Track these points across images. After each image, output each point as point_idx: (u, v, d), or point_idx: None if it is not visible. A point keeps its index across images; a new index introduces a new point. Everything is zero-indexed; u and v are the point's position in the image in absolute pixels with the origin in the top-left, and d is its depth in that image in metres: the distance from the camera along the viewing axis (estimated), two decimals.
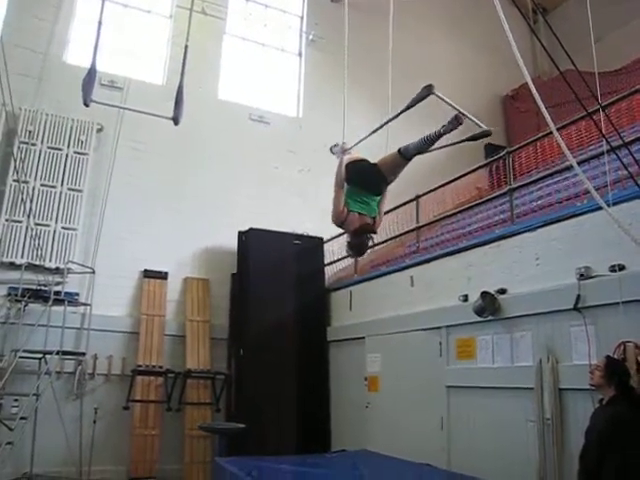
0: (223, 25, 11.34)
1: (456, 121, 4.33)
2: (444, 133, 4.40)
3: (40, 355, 7.87)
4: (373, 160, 4.76)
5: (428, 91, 4.20)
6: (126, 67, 10.14)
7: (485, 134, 4.48)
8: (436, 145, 4.59)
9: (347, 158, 4.80)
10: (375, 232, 4.67)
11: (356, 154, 4.95)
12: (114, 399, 8.61)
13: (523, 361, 5.75)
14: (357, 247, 4.73)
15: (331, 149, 5.26)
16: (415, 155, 4.57)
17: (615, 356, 4.56)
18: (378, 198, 4.73)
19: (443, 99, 4.20)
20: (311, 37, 12.04)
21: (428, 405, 6.94)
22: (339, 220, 4.59)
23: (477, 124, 4.40)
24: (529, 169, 7.83)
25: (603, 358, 4.35)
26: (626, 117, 6.92)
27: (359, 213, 4.58)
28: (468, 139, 4.55)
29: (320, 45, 11.95)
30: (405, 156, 4.56)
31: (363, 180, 4.66)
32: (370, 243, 4.77)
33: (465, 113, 4.22)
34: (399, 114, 4.41)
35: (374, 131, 4.69)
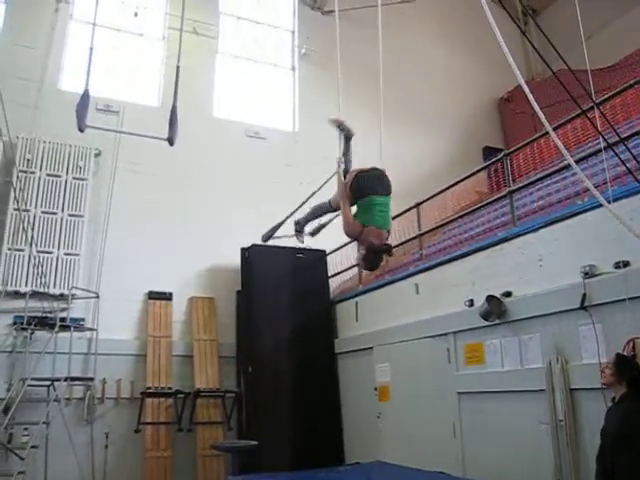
0: (215, 44, 11.43)
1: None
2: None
3: (48, 382, 7.86)
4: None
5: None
6: (121, 91, 10.20)
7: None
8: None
9: (354, 170, 4.88)
10: (392, 254, 4.61)
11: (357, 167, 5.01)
12: (125, 422, 8.58)
13: (532, 363, 5.70)
14: (371, 262, 4.61)
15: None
16: None
17: (625, 353, 4.53)
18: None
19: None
20: (303, 51, 12.11)
21: (440, 412, 6.88)
22: (354, 233, 4.57)
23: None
24: (528, 170, 7.83)
25: (613, 356, 4.31)
26: (621, 113, 6.92)
27: (377, 227, 4.54)
28: None
29: (313, 58, 12.01)
30: None
31: (383, 184, 4.73)
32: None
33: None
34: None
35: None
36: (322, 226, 5.68)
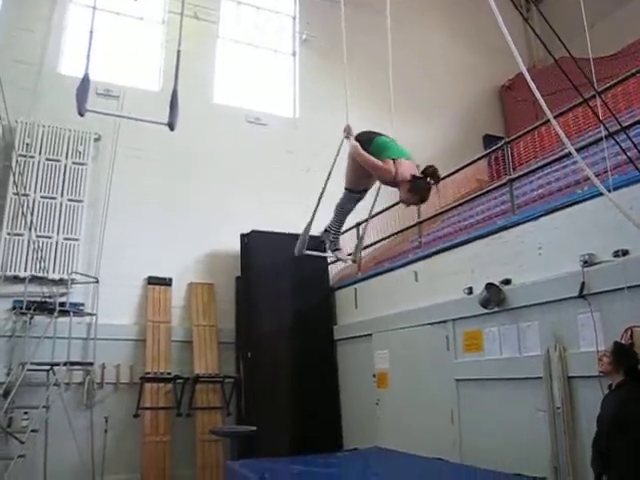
0: (216, 29, 11.35)
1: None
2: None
3: (48, 367, 7.89)
4: None
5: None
6: (122, 75, 10.13)
7: None
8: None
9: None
10: (438, 176, 4.45)
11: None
12: (124, 407, 8.62)
13: (531, 351, 5.73)
14: (419, 190, 4.42)
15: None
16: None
17: (623, 341, 4.55)
18: None
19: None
20: (304, 37, 12.03)
21: (438, 399, 6.92)
22: (390, 172, 4.41)
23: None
24: (528, 158, 7.82)
25: (611, 344, 4.34)
26: (623, 102, 6.90)
27: (405, 159, 4.52)
28: None
29: (313, 44, 11.95)
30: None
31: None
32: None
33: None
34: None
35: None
36: (361, 240, 5.52)
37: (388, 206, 8.14)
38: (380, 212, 8.32)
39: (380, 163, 4.43)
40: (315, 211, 4.90)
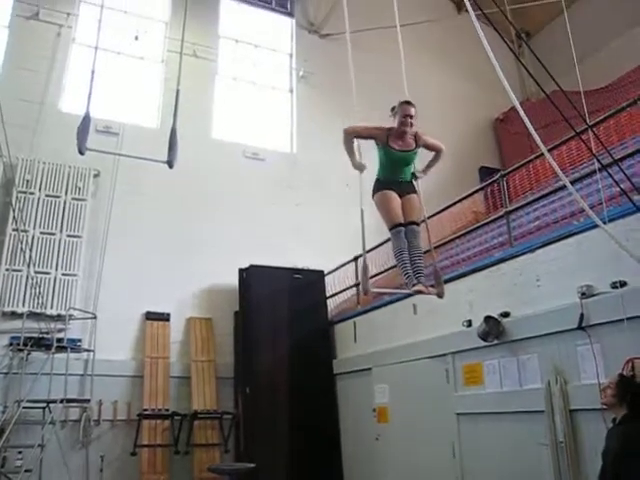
0: (214, 66, 11.57)
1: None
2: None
3: (44, 404, 7.78)
4: None
5: None
6: (121, 113, 10.28)
7: None
8: None
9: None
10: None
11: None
12: (121, 445, 8.50)
13: (531, 384, 5.68)
14: (400, 104, 5.03)
15: None
16: None
17: (624, 373, 4.52)
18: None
19: None
20: (301, 73, 12.23)
21: (439, 433, 6.83)
22: (386, 126, 4.99)
23: None
24: (524, 190, 7.86)
25: (615, 376, 4.29)
26: (615, 134, 6.98)
27: None
28: None
29: (310, 81, 12.15)
30: None
31: None
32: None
33: None
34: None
35: None
36: (437, 273, 5.50)
37: (386, 240, 8.16)
38: (378, 246, 8.32)
39: (372, 124, 4.96)
40: (364, 248, 4.96)
